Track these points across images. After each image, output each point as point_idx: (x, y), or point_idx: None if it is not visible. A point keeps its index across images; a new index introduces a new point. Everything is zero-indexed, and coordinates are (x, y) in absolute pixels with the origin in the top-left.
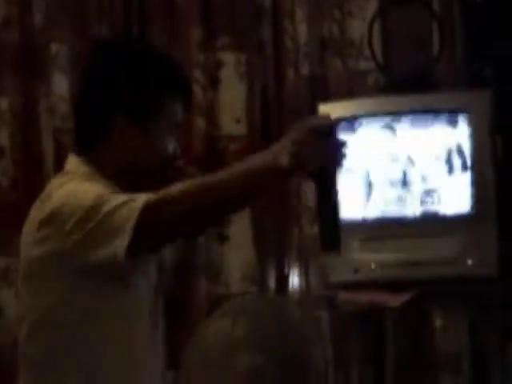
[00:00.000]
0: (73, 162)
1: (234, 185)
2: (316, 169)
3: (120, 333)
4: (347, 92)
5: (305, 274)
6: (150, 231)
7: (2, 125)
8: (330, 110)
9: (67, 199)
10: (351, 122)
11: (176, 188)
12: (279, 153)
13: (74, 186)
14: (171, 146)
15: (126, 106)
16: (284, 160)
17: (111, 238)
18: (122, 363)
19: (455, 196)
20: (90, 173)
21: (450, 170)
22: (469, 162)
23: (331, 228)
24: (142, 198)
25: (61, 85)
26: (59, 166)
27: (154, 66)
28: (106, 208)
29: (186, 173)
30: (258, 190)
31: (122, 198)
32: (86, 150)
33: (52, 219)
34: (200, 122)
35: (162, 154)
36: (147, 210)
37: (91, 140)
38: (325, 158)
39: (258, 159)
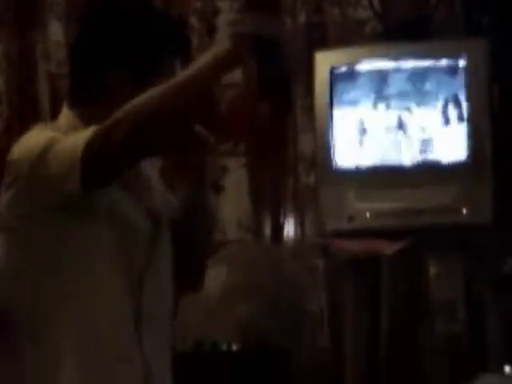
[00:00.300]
0: (64, 115)
1: (176, 94)
2: (260, 38)
3: (81, 275)
4: (344, 40)
5: (300, 223)
6: (97, 160)
7: None
8: (328, 57)
9: (24, 147)
10: (348, 69)
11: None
12: (219, 44)
13: (36, 134)
14: None
15: (121, 63)
16: (226, 44)
17: (62, 175)
18: (85, 306)
19: (451, 145)
20: (77, 127)
21: (447, 118)
22: (465, 111)
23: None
24: (87, 132)
25: (57, 31)
26: (55, 110)
27: (150, 23)
28: (55, 147)
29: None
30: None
31: (71, 136)
32: (79, 105)
33: (11, 167)
34: None
35: None
36: (92, 140)
37: (85, 96)
38: (262, 23)
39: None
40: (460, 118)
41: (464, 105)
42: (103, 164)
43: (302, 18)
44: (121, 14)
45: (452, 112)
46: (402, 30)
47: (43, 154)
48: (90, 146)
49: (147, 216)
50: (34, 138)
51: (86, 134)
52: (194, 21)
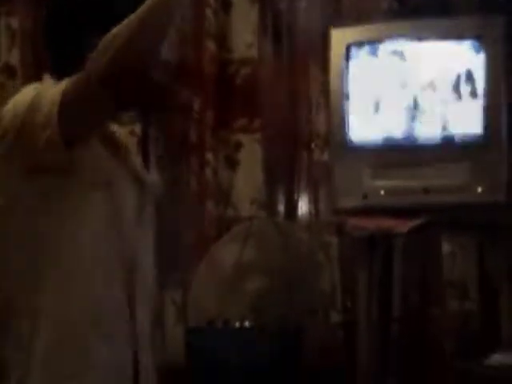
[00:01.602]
0: (47, 82)
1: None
2: None
3: (64, 240)
4: (360, 17)
5: (314, 200)
6: (74, 104)
7: (13, 45)
8: (344, 34)
9: (13, 105)
10: (364, 46)
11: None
12: None
13: (23, 93)
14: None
15: (96, 30)
16: None
17: (42, 123)
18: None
19: (467, 123)
20: None
21: (462, 95)
22: (481, 88)
23: None
24: (64, 82)
25: None
26: None
27: None
28: (39, 100)
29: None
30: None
31: (52, 88)
32: (61, 73)
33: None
34: (211, 46)
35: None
36: (69, 86)
37: (67, 63)
38: None
39: None
40: (475, 94)
41: (480, 81)
42: (80, 108)
43: None
44: None
45: (467, 88)
46: (416, 6)
47: (31, 107)
48: (66, 92)
49: (134, 180)
50: (21, 97)
51: (62, 84)
52: None
